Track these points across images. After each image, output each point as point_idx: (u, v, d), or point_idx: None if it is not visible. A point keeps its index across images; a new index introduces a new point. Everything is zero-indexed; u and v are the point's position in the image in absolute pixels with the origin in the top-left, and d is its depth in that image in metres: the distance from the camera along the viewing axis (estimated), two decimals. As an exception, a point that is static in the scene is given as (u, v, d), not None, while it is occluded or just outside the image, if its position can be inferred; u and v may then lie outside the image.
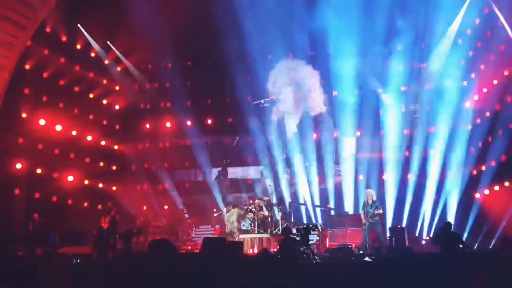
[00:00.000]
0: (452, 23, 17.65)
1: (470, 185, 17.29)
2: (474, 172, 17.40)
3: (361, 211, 15.04)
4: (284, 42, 18.94)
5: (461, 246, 11.61)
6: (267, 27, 18.03)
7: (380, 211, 14.73)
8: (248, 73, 19.72)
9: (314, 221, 17.93)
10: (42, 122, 17.20)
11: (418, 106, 18.73)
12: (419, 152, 18.16)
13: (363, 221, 14.74)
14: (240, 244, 12.78)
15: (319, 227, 15.75)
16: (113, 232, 14.61)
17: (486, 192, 16.97)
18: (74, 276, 10.67)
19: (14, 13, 14.87)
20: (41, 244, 14.60)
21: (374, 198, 14.96)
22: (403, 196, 17.89)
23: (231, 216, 16.00)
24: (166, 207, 20.22)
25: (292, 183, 19.45)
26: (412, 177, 18.21)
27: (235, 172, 20.42)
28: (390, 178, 18.21)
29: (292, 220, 17.38)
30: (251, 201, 17.41)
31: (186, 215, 19.44)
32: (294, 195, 19.07)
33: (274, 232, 16.19)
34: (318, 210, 18.65)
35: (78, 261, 12.36)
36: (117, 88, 20.45)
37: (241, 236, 15.99)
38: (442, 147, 17.74)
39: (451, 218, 16.52)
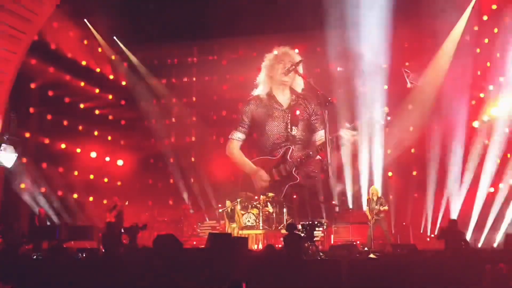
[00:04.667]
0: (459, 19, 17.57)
1: (475, 182, 17.25)
2: (480, 170, 17.35)
3: (365, 208, 15.09)
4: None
5: (463, 245, 11.60)
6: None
7: (386, 207, 14.76)
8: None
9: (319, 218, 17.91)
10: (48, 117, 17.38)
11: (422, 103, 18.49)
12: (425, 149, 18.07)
13: (369, 217, 14.80)
14: (245, 239, 12.83)
15: (324, 224, 15.79)
16: (119, 227, 14.69)
17: (491, 189, 16.95)
18: (80, 270, 10.79)
19: (21, 7, 14.90)
20: (47, 239, 14.69)
21: (379, 195, 15.00)
22: (409, 193, 17.85)
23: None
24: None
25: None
26: (417, 174, 18.16)
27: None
28: (396, 174, 18.16)
29: (297, 216, 17.39)
30: (256, 197, 17.44)
31: (191, 211, 19.47)
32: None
33: (279, 228, 16.27)
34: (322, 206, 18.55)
35: (84, 255, 12.46)
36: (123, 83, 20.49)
37: (246, 232, 16.08)
38: (448, 145, 17.72)
39: (455, 215, 16.52)
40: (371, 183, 17.15)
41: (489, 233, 16.20)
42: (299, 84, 19.51)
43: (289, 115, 19.53)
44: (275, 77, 19.55)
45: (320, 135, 18.87)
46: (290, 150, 19.15)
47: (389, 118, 16.80)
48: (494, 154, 16.92)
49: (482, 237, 16.15)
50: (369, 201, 15.14)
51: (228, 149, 19.95)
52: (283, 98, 19.78)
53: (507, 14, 16.43)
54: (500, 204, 16.44)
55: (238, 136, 19.89)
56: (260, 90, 19.83)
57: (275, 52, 19.59)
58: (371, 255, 11.75)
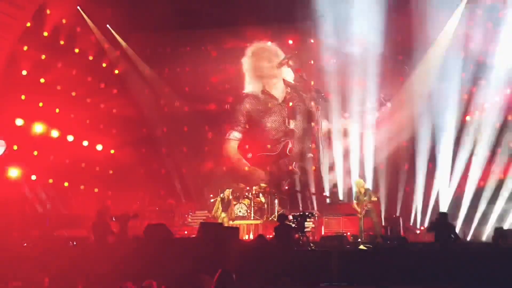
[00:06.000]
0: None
1: (464, 176, 17.33)
2: (470, 163, 17.41)
3: (354, 202, 15.13)
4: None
5: (453, 237, 11.65)
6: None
7: (375, 199, 14.85)
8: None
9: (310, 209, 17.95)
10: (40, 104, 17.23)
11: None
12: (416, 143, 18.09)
13: (358, 210, 14.85)
14: (236, 229, 12.87)
15: (315, 215, 15.83)
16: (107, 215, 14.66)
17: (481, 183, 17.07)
18: (70, 258, 10.80)
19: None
20: (37, 227, 14.64)
21: (365, 186, 15.07)
22: (397, 185, 17.89)
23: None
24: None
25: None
26: (406, 167, 18.18)
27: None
28: (385, 167, 18.17)
29: (288, 207, 17.45)
30: (248, 188, 17.46)
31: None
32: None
33: (270, 218, 16.31)
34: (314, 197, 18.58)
35: (75, 243, 12.47)
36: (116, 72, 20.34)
37: (237, 222, 16.12)
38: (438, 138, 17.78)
39: (444, 208, 16.63)
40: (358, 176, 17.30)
41: (478, 226, 16.32)
42: (289, 75, 19.43)
43: (286, 108, 19.48)
44: (264, 74, 19.50)
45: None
46: (289, 144, 19.12)
47: (389, 104, 16.77)
48: (484, 148, 17.06)
49: (471, 230, 16.26)
50: (357, 194, 15.15)
51: (225, 150, 19.96)
52: (277, 91, 19.71)
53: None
54: (489, 198, 16.55)
55: (235, 136, 19.89)
56: (251, 88, 19.82)
57: (250, 52, 19.60)
58: (362, 247, 11.80)
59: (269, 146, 19.63)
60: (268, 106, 19.59)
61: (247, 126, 20.07)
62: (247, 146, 20.10)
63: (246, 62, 19.84)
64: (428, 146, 17.79)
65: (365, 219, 14.77)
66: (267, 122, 19.65)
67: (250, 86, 19.92)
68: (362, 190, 15.00)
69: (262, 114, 19.66)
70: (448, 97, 17.37)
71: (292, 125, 19.38)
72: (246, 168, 19.64)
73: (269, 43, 19.68)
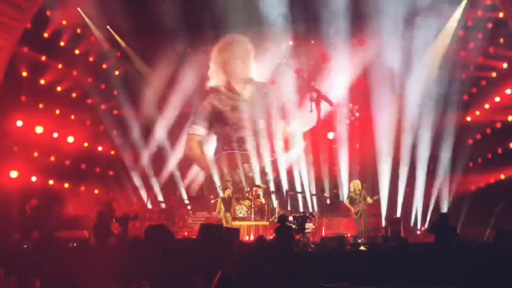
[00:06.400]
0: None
1: (465, 176, 17.32)
2: (470, 164, 17.42)
3: (347, 201, 15.14)
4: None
5: (453, 239, 11.63)
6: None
7: (370, 200, 14.83)
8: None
9: (310, 210, 17.94)
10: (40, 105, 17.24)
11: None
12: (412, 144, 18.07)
13: (353, 211, 14.86)
14: (237, 230, 12.87)
15: (315, 216, 15.82)
16: (110, 216, 14.65)
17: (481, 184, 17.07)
18: (71, 259, 10.80)
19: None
20: (37, 228, 14.64)
21: (360, 187, 15.07)
22: (397, 186, 17.88)
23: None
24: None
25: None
26: (405, 168, 18.15)
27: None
28: (384, 168, 18.15)
29: (289, 208, 17.44)
30: (248, 189, 17.45)
31: (186, 201, 19.48)
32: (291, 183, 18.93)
33: (271, 219, 16.30)
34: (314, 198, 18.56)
35: (75, 244, 12.48)
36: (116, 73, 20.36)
37: (237, 223, 16.12)
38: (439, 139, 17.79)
39: (444, 209, 16.64)
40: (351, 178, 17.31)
41: (478, 226, 16.30)
42: (256, 73, 19.32)
43: (253, 107, 19.20)
44: (234, 71, 19.33)
45: (292, 127, 18.68)
46: (260, 144, 18.98)
47: (357, 114, 16.88)
48: (484, 149, 17.07)
49: (472, 231, 16.24)
50: (353, 195, 15.11)
51: (186, 145, 19.68)
52: (244, 89, 19.51)
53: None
54: (490, 198, 16.55)
55: (198, 132, 19.63)
56: (216, 82, 19.59)
57: (223, 43, 19.43)
58: (362, 247, 11.80)
59: (235, 144, 19.42)
60: (234, 103, 19.29)
61: (212, 123, 19.80)
62: (211, 142, 19.95)
63: (216, 53, 19.54)
64: (428, 146, 17.81)
65: (361, 219, 14.79)
66: (233, 119, 19.33)
67: (214, 81, 19.64)
68: (358, 192, 14.99)
69: (227, 110, 19.31)
70: (448, 97, 17.39)
71: (260, 124, 19.03)
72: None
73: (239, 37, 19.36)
